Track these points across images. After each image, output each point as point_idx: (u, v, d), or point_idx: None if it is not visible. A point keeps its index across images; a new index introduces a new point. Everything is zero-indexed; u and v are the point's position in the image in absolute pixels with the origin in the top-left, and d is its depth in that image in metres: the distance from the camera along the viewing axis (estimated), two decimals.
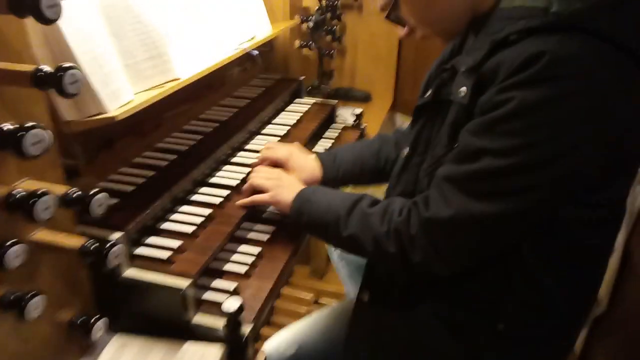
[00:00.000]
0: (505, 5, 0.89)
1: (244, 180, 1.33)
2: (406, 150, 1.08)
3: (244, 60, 1.47)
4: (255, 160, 1.39)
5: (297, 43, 2.04)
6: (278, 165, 1.34)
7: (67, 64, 0.69)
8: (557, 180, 0.82)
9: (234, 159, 1.45)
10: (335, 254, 1.73)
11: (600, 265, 1.02)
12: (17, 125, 0.64)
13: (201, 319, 0.98)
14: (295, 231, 1.25)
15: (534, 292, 0.95)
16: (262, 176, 1.25)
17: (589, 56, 0.77)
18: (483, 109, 0.84)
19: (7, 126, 0.65)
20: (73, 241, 0.81)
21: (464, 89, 0.88)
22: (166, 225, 1.13)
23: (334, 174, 1.34)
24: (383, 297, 1.13)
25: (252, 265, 1.13)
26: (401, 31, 1.13)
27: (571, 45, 0.77)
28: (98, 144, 1.14)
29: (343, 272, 1.73)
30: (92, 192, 0.76)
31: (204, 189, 1.28)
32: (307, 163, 1.34)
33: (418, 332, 1.08)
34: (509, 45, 0.82)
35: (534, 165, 0.81)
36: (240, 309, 0.93)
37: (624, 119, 0.81)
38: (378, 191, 1.26)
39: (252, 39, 1.55)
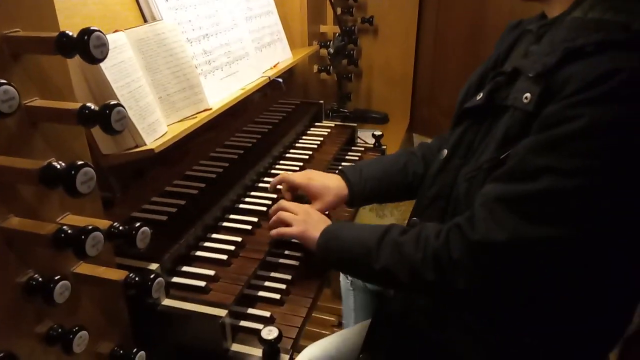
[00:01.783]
0: (578, 14, 0.84)
1: (271, 207, 1.33)
2: (445, 152, 1.04)
3: (265, 86, 1.49)
4: (274, 185, 1.36)
5: (315, 68, 2.07)
6: (297, 190, 1.32)
7: (113, 102, 0.70)
8: (625, 207, 0.78)
9: (261, 184, 1.46)
10: (345, 282, 1.72)
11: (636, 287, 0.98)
12: (68, 164, 0.65)
13: (239, 347, 0.98)
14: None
15: (558, 308, 0.93)
16: (290, 208, 1.21)
17: None
18: (546, 123, 0.79)
19: (57, 164, 0.66)
20: (115, 274, 0.82)
21: (528, 95, 0.83)
22: (199, 254, 1.14)
23: (361, 190, 1.29)
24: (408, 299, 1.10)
25: (285, 292, 1.13)
26: None
27: None
28: (130, 174, 1.15)
29: (351, 302, 1.71)
30: (136, 226, 0.77)
31: (233, 216, 1.29)
32: (330, 183, 1.29)
33: (442, 335, 1.04)
34: (583, 56, 0.77)
35: (601, 189, 0.76)
36: (279, 336, 0.93)
37: None
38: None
39: (275, 66, 1.57)
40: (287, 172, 1.43)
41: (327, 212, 1.29)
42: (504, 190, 0.84)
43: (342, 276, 1.74)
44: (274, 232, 1.18)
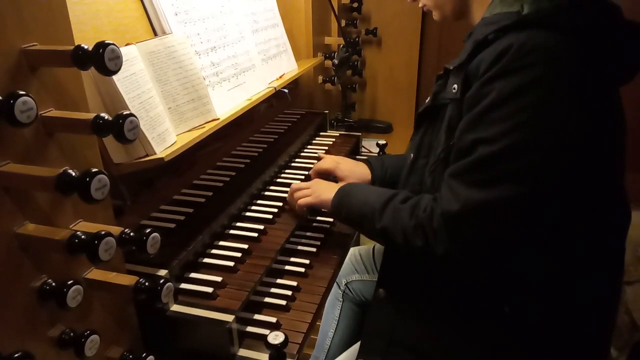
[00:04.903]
0: (487, 14, 1.01)
1: (277, 214, 1.36)
2: (411, 155, 1.14)
3: (271, 96, 1.52)
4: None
5: (320, 79, 2.10)
6: (328, 175, 1.47)
7: (126, 112, 0.73)
8: (548, 161, 0.88)
9: (267, 193, 1.49)
10: (336, 292, 1.74)
11: (609, 264, 1.05)
12: (83, 171, 0.68)
13: (246, 352, 1.00)
14: (329, 262, 1.29)
15: (535, 275, 0.99)
16: (300, 186, 1.37)
17: (551, 46, 0.86)
18: (470, 104, 0.93)
19: (72, 172, 0.68)
20: (126, 279, 0.84)
21: (455, 85, 0.99)
22: (206, 260, 1.16)
23: (382, 176, 1.45)
24: (399, 292, 1.17)
25: (291, 299, 1.15)
26: None
27: (536, 38, 0.87)
28: (140, 183, 1.18)
29: (336, 312, 1.74)
30: (147, 232, 0.79)
31: (239, 224, 1.31)
32: (356, 167, 1.47)
33: (430, 325, 1.11)
34: (487, 45, 0.93)
35: (522, 146, 0.87)
36: (286, 341, 0.94)
37: (594, 99, 0.89)
38: None
39: (281, 77, 1.60)
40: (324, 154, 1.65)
41: None
42: (454, 168, 0.97)
43: (335, 284, 1.76)
44: (297, 206, 1.34)
